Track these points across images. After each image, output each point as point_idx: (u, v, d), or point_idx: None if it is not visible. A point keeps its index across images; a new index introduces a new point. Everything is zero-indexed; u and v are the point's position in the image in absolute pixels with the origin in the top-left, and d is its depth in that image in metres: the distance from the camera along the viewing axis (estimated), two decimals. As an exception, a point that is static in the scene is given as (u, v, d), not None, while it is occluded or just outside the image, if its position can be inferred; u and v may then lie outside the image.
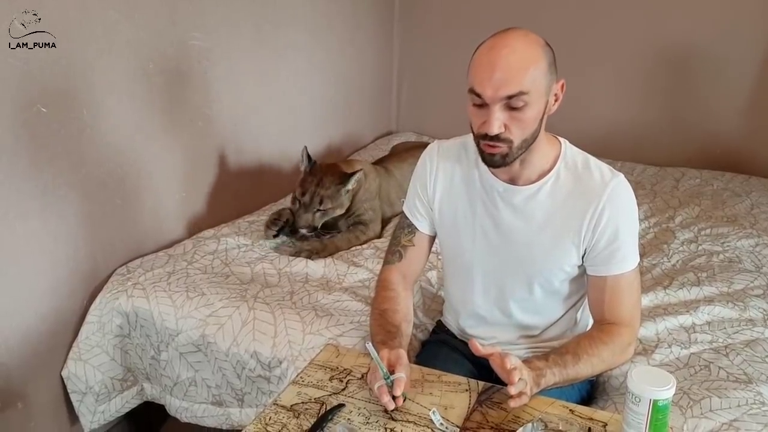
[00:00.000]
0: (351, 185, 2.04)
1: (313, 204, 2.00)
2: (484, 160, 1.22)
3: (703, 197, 2.56)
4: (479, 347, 1.11)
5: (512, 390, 1.07)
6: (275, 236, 2.01)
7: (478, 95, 1.14)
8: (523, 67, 1.12)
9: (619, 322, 1.26)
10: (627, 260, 1.25)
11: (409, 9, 3.40)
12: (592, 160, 1.28)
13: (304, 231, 2.02)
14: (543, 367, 1.16)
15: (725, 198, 2.54)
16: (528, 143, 1.19)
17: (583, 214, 1.23)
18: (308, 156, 2.10)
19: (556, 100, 1.21)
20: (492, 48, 1.13)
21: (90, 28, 1.67)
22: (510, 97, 1.12)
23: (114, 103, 1.78)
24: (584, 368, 1.20)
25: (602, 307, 1.27)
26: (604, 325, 1.27)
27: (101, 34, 1.70)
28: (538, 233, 1.27)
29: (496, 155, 1.18)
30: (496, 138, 1.15)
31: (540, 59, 1.14)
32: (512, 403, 1.09)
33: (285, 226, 2.05)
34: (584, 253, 1.27)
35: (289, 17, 2.49)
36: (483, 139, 1.17)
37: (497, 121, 1.14)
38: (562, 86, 1.22)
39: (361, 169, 2.09)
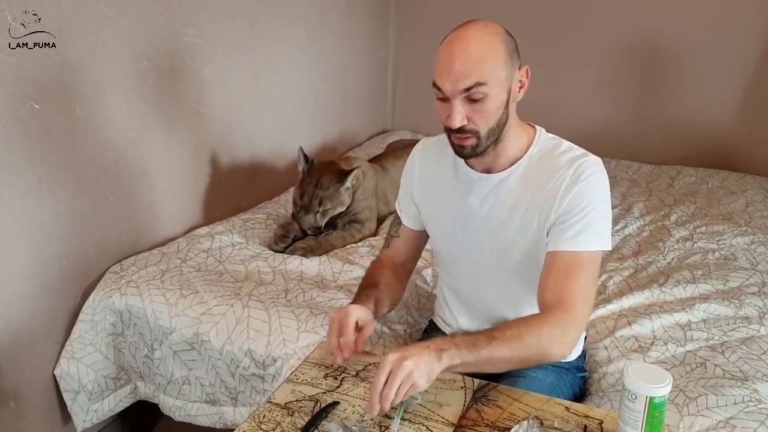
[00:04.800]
0: (349, 183, 2.04)
1: (313, 206, 2.01)
2: (455, 151, 1.24)
3: (699, 195, 2.56)
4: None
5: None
6: (281, 252, 1.97)
7: (439, 89, 1.16)
8: (480, 59, 1.13)
9: (556, 303, 1.13)
10: (581, 238, 1.17)
11: (405, 6, 3.39)
12: (565, 143, 1.27)
13: (308, 232, 2.03)
14: (444, 343, 1.06)
15: (720, 196, 2.55)
16: (496, 132, 1.20)
17: (551, 193, 1.21)
18: (305, 156, 2.09)
19: (521, 87, 1.21)
20: (450, 42, 1.16)
21: (83, 24, 1.65)
22: (468, 89, 1.13)
23: (107, 99, 1.77)
24: (500, 349, 1.07)
25: (544, 287, 1.17)
26: (541, 309, 1.17)
27: (94, 29, 1.69)
28: (509, 217, 1.26)
29: (466, 146, 1.20)
30: (461, 130, 1.17)
31: (498, 49, 1.15)
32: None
33: (292, 243, 2.02)
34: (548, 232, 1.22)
35: (284, 13, 2.48)
36: (451, 131, 1.19)
37: (459, 115, 1.15)
38: (527, 72, 1.21)
39: (358, 167, 2.08)
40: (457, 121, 1.16)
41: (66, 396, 1.71)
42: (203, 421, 1.66)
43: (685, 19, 2.87)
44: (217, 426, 1.65)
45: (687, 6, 2.85)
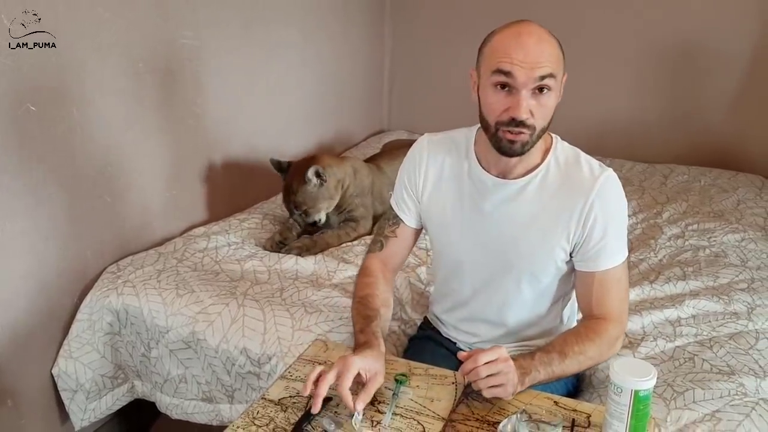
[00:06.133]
0: (313, 180, 2.02)
1: (291, 210, 2.06)
2: (501, 149, 1.19)
3: (691, 193, 2.58)
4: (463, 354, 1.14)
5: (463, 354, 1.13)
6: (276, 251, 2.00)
7: (507, 74, 1.12)
8: (552, 52, 1.14)
9: (606, 316, 1.26)
10: (615, 255, 1.26)
11: (401, 7, 3.41)
12: (583, 155, 1.29)
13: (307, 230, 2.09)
14: (528, 366, 1.16)
15: (713, 194, 2.57)
16: (543, 132, 1.20)
17: (572, 209, 1.24)
18: (277, 164, 2.12)
19: (560, 93, 1.22)
20: (519, 33, 1.14)
21: (79, 27, 1.67)
22: (542, 78, 1.12)
23: (104, 101, 1.79)
24: (571, 365, 1.20)
25: (590, 302, 1.28)
26: (591, 320, 1.27)
27: (91, 32, 1.71)
28: (526, 228, 1.27)
29: (517, 143, 1.17)
30: (522, 124, 1.14)
31: (559, 48, 1.17)
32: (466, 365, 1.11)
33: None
34: (573, 249, 1.27)
35: (280, 15, 2.50)
36: (506, 125, 1.16)
37: (527, 105, 1.14)
38: (564, 80, 1.22)
39: (314, 165, 2.04)
40: (525, 112, 1.13)
41: (64, 395, 1.73)
42: (200, 419, 1.68)
43: (680, 19, 2.89)
44: (214, 423, 1.66)
45: (683, 6, 2.87)
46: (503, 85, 1.15)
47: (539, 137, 1.19)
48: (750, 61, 2.84)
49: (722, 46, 2.85)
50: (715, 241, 2.12)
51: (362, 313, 1.29)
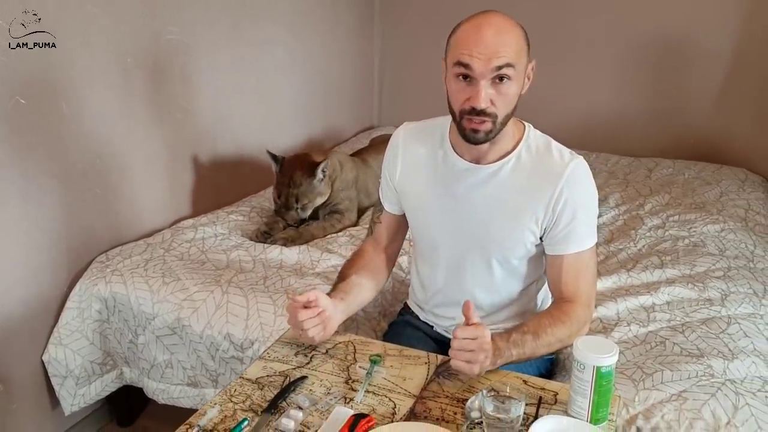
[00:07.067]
0: (320, 175, 2.09)
1: (291, 203, 2.08)
2: (466, 137, 1.23)
3: (674, 186, 2.61)
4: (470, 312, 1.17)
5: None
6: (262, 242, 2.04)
7: (466, 66, 1.17)
8: (510, 42, 1.17)
9: (576, 300, 1.30)
10: (584, 240, 1.30)
11: (390, 4, 3.45)
12: (554, 143, 1.33)
13: (293, 225, 2.12)
14: (503, 346, 1.20)
15: (695, 186, 2.60)
16: (507, 119, 1.23)
17: (542, 194, 1.28)
18: (273, 156, 2.16)
19: (528, 80, 1.26)
20: (479, 24, 1.18)
21: (68, 22, 1.71)
22: (499, 68, 1.16)
23: (94, 96, 1.83)
24: (541, 347, 1.24)
25: (560, 285, 1.32)
26: (562, 303, 1.31)
27: (80, 28, 1.75)
28: (497, 211, 1.31)
29: (481, 131, 1.21)
30: (482, 113, 1.18)
31: (521, 37, 1.20)
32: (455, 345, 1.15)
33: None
34: (543, 233, 1.31)
35: (267, 12, 2.54)
36: (468, 114, 1.20)
37: (486, 95, 1.17)
38: (534, 67, 1.26)
39: (326, 159, 2.11)
40: (484, 102, 1.17)
41: (54, 381, 1.77)
42: (185, 403, 1.72)
43: (665, 13, 2.93)
44: (199, 407, 1.67)
45: (665, 2, 2.91)
46: (464, 76, 1.19)
47: (503, 125, 1.23)
48: (733, 56, 2.88)
49: (706, 41, 2.89)
50: (695, 231, 2.15)
51: (335, 282, 1.43)
